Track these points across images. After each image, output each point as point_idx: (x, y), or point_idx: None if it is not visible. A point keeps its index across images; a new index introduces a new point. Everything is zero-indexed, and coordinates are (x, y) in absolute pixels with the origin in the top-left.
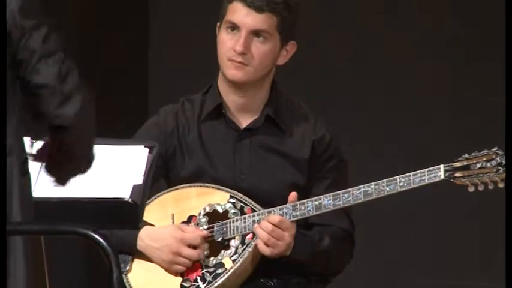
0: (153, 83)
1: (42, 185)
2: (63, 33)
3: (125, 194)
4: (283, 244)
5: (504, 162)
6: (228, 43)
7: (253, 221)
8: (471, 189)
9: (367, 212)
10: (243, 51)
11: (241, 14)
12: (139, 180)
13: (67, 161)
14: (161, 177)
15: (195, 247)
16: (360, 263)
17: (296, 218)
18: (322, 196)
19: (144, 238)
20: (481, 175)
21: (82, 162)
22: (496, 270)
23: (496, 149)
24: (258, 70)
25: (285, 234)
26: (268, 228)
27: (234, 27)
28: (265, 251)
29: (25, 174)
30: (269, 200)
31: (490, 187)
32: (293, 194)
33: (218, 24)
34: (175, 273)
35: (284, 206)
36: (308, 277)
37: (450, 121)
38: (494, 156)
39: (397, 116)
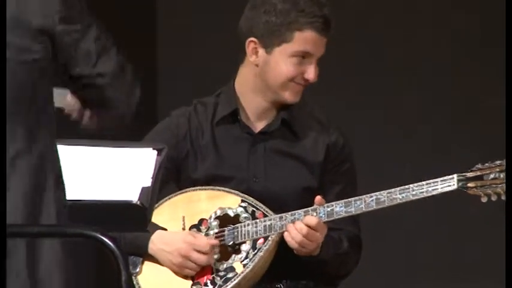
0: (162, 85)
1: None
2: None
3: (133, 196)
4: (314, 244)
5: None
6: (295, 70)
7: (265, 226)
8: (484, 199)
9: (370, 215)
10: (315, 78)
11: (315, 43)
12: (147, 182)
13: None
14: (171, 179)
15: (204, 253)
16: (364, 267)
17: None
18: (334, 203)
19: (156, 242)
20: (494, 186)
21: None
22: (499, 274)
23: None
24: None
25: (318, 234)
26: (303, 231)
27: (304, 55)
28: (296, 249)
29: (60, 186)
30: (281, 203)
31: (503, 198)
32: (318, 198)
33: (254, 41)
34: (185, 277)
35: (296, 211)
36: (316, 280)
37: (453, 127)
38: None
39: (401, 118)
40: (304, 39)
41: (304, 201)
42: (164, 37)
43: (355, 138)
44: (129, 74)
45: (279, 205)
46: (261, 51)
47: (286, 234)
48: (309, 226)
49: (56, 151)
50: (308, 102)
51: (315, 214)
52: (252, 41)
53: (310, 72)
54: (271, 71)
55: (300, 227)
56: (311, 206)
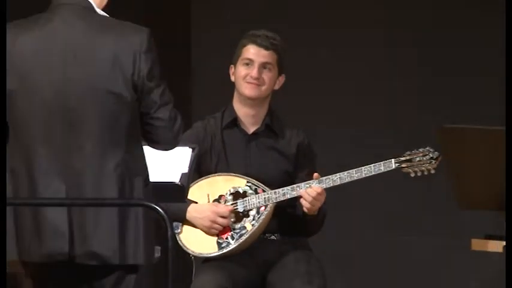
0: (196, 94)
1: None
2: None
3: (176, 178)
4: (319, 205)
5: (434, 156)
6: (245, 72)
7: (265, 198)
8: (412, 174)
9: (340, 185)
10: (257, 76)
11: (254, 52)
12: (185, 169)
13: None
14: (196, 170)
15: (225, 217)
16: (330, 226)
17: (293, 196)
18: (311, 181)
19: (191, 211)
20: (419, 166)
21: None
22: (436, 228)
23: (428, 147)
24: (266, 89)
25: (321, 197)
26: (313, 194)
27: (249, 62)
28: (308, 207)
29: (146, 185)
30: (269, 182)
31: (425, 173)
32: (316, 175)
33: (232, 66)
34: (212, 234)
35: (285, 187)
36: (298, 233)
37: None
38: (427, 153)
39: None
40: (247, 50)
41: (284, 181)
42: (198, 42)
43: (321, 135)
44: (178, 123)
45: (267, 183)
46: (234, 71)
47: (302, 198)
48: (316, 192)
49: (144, 161)
50: (281, 117)
51: (298, 189)
52: (231, 67)
53: (252, 72)
54: (235, 78)
55: (310, 191)
56: (288, 184)
